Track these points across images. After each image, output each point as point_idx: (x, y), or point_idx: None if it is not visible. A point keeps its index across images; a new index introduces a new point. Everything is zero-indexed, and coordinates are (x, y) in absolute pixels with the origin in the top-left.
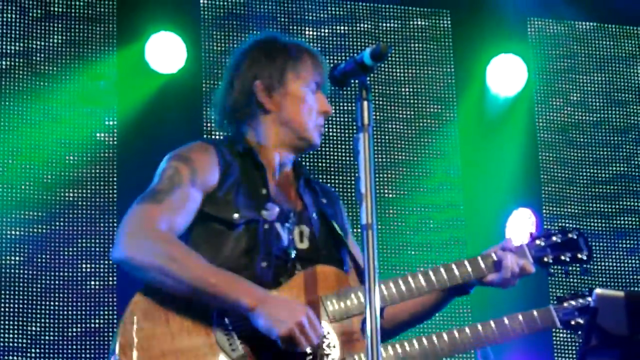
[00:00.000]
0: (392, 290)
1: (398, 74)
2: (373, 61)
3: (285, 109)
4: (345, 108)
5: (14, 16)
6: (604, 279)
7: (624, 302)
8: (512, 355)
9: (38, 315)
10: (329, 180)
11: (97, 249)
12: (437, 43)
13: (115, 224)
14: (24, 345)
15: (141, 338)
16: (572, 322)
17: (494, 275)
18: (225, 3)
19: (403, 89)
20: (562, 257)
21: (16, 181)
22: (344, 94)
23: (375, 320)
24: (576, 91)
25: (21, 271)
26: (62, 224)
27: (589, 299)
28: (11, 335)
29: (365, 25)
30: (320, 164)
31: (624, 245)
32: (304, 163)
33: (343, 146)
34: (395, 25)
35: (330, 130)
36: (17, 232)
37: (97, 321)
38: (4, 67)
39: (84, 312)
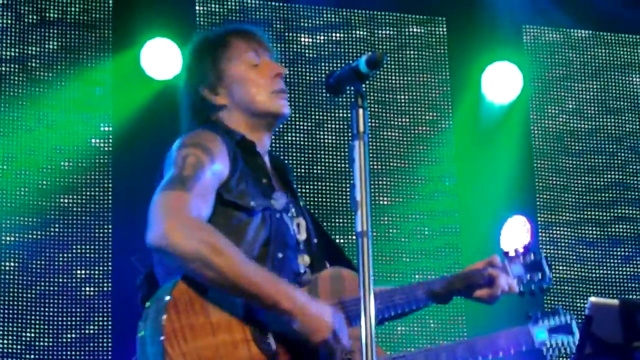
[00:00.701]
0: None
1: (393, 81)
2: (369, 69)
3: (234, 95)
4: (341, 115)
5: (9, 22)
6: (599, 287)
7: (618, 310)
8: None
9: (32, 322)
10: (323, 187)
11: (92, 255)
12: (433, 50)
13: (110, 230)
14: (19, 351)
15: (184, 327)
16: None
17: (483, 291)
18: (221, 10)
19: (398, 96)
20: (528, 277)
21: (11, 187)
22: (339, 101)
23: (371, 326)
24: (571, 99)
25: (16, 277)
26: (56, 229)
27: (563, 318)
28: (5, 342)
29: (361, 33)
30: (315, 171)
31: (619, 253)
32: (299, 168)
33: (338, 153)
34: (391, 32)
35: (326, 137)
36: (12, 238)
37: (91, 327)
38: None
39: (78, 318)
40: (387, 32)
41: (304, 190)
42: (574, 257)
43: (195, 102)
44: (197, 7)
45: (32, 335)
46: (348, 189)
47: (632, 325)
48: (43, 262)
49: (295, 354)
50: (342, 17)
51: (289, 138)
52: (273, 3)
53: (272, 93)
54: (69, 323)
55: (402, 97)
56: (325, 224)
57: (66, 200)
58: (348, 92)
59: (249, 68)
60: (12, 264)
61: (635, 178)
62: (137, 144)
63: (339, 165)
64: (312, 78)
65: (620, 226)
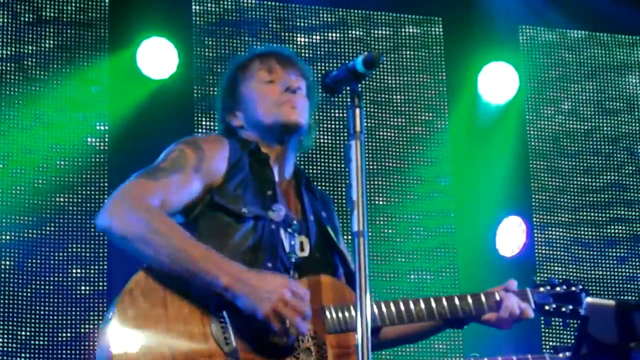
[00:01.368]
0: (392, 312)
1: (390, 81)
2: (365, 69)
3: (247, 113)
4: (337, 115)
5: (5, 21)
6: (595, 288)
7: (614, 311)
8: None
9: (28, 320)
10: (319, 187)
11: (88, 254)
12: (429, 50)
13: None
14: (14, 350)
15: (137, 317)
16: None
17: (493, 314)
18: (217, 9)
19: (395, 96)
20: (563, 309)
21: (7, 186)
22: (335, 101)
23: (367, 328)
24: (567, 99)
25: (11, 276)
26: (52, 228)
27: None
28: (1, 340)
29: (357, 33)
30: (311, 171)
31: (615, 254)
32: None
33: (334, 153)
34: (387, 32)
35: (322, 137)
36: (8, 237)
37: (87, 326)
38: None
39: (74, 317)
40: (383, 32)
41: None
42: (570, 258)
43: (223, 127)
44: (193, 7)
45: (28, 333)
46: (344, 189)
47: (628, 326)
48: (39, 261)
49: (260, 351)
50: (338, 17)
51: None
52: (269, 3)
53: (281, 103)
54: (64, 322)
55: (398, 97)
56: None
57: (62, 199)
58: (344, 91)
59: (261, 85)
60: (8, 262)
61: (631, 179)
62: (133, 143)
63: (335, 165)
64: None
65: (616, 227)
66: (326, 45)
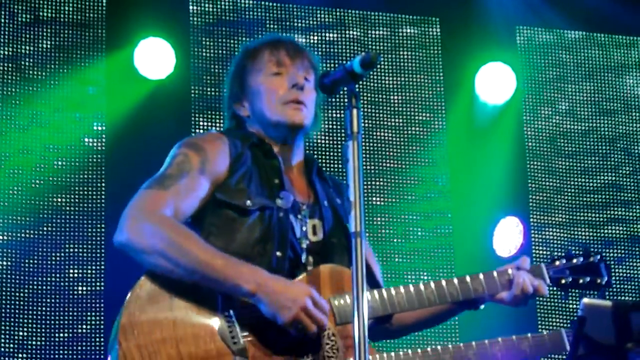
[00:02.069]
0: (402, 297)
1: (387, 82)
2: (363, 69)
3: (253, 105)
4: (335, 115)
5: (2, 21)
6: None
7: (611, 312)
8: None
9: (25, 321)
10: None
11: (85, 255)
12: (426, 51)
13: (103, 230)
14: (11, 350)
15: (143, 322)
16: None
17: (506, 293)
18: (215, 9)
19: (392, 97)
20: (581, 281)
21: (4, 186)
22: (333, 102)
23: (363, 325)
24: (564, 100)
25: (9, 276)
26: (50, 229)
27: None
28: None
29: (355, 33)
30: None
31: (612, 255)
32: None
33: (332, 153)
34: (385, 32)
35: (319, 137)
36: (5, 237)
37: (84, 326)
38: None
39: (71, 318)
40: (381, 32)
41: None
42: None
43: (229, 114)
44: (190, 7)
45: (25, 334)
46: None
47: (625, 327)
48: (36, 261)
49: (269, 347)
50: (336, 18)
51: None
52: (267, 3)
53: (285, 102)
54: (61, 322)
55: (396, 97)
56: None
57: (59, 200)
58: (342, 92)
59: (268, 78)
60: (5, 262)
61: (628, 179)
62: (131, 143)
63: (332, 165)
64: None
65: (614, 228)
66: (324, 46)
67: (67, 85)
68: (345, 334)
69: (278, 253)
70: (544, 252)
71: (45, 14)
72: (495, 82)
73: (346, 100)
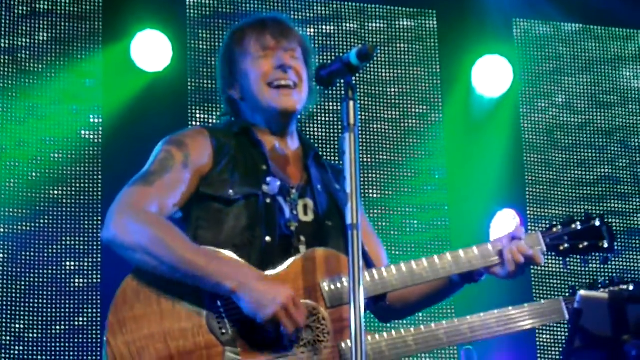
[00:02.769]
0: (394, 276)
1: (384, 74)
2: (359, 61)
3: (244, 90)
4: (331, 108)
5: None
6: (589, 281)
7: (607, 304)
8: (495, 356)
9: (22, 313)
10: None
11: (82, 247)
12: (423, 43)
13: (99, 222)
14: (8, 342)
15: (131, 318)
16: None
17: (499, 267)
18: (211, 2)
19: (389, 89)
20: (580, 246)
21: (0, 178)
22: (329, 94)
23: (360, 316)
24: (561, 92)
25: (5, 269)
26: (46, 221)
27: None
28: None
29: (351, 25)
30: None
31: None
32: None
33: (328, 146)
34: (381, 25)
35: (316, 130)
36: (1, 230)
37: (81, 319)
38: None
39: (68, 310)
40: (378, 24)
41: None
42: None
43: (224, 98)
44: None
45: (22, 326)
46: None
47: (621, 319)
48: (32, 254)
49: (253, 340)
50: (333, 10)
51: None
52: None
53: (269, 87)
54: (58, 315)
55: (392, 90)
56: None
57: (56, 192)
58: (338, 84)
59: (255, 60)
60: (1, 255)
61: (624, 172)
62: (127, 135)
63: (329, 157)
64: None
65: (610, 220)
66: (320, 38)
67: (63, 78)
68: (336, 316)
69: (267, 238)
70: None
71: (41, 6)
72: (492, 75)
73: (343, 92)
